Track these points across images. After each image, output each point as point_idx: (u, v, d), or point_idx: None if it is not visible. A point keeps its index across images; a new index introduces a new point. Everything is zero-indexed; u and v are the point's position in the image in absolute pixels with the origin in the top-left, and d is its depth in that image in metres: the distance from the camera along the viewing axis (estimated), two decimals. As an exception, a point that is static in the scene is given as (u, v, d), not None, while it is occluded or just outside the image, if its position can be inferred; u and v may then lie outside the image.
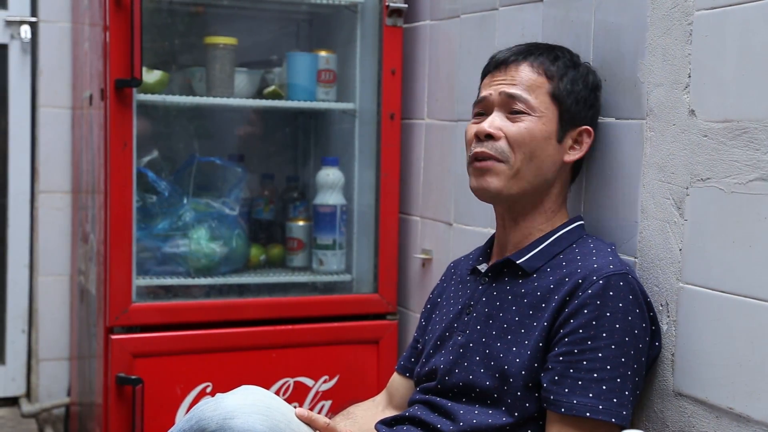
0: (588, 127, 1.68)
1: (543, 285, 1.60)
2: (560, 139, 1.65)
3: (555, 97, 1.64)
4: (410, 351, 1.88)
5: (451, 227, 2.33)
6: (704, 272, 1.51)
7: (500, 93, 1.64)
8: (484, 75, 1.73)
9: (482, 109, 1.68)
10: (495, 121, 1.63)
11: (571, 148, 1.67)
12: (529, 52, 1.67)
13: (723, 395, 1.47)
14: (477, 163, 1.64)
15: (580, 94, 1.66)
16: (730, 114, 1.47)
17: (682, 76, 1.56)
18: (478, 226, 2.18)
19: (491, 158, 1.62)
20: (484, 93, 1.68)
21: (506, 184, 1.62)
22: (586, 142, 1.68)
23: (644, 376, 1.57)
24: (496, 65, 1.68)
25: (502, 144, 1.61)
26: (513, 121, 1.62)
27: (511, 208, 1.68)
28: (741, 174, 1.44)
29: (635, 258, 1.66)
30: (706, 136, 1.51)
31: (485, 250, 1.79)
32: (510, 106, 1.63)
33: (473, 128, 1.66)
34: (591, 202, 1.79)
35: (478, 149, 1.63)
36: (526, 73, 1.64)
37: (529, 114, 1.62)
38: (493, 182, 1.62)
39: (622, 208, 1.70)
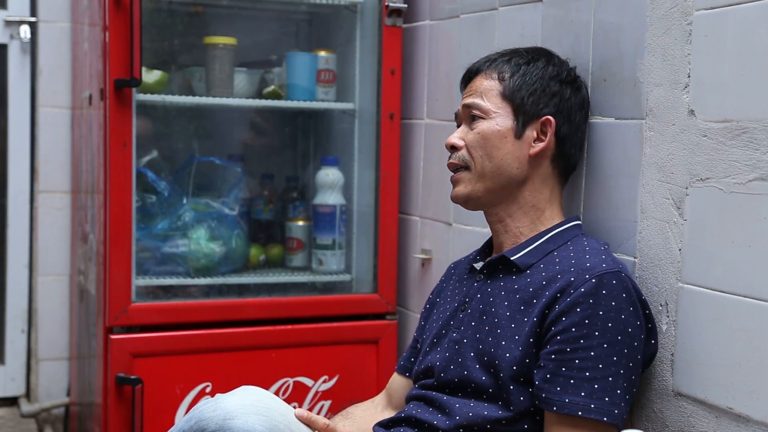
0: (548, 117, 1.68)
1: (535, 281, 1.61)
2: (519, 135, 1.67)
3: (506, 95, 1.69)
4: (410, 351, 1.88)
5: (451, 227, 2.33)
6: (704, 272, 1.51)
7: (462, 107, 1.74)
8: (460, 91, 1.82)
9: (458, 123, 1.77)
10: (458, 133, 1.74)
11: (536, 140, 1.69)
12: (488, 59, 1.75)
13: (722, 395, 1.47)
14: (451, 176, 1.75)
15: (534, 86, 1.69)
16: (729, 114, 1.47)
17: (682, 76, 1.56)
18: (478, 226, 2.18)
19: (458, 168, 1.72)
20: (456, 110, 1.78)
21: (473, 187, 1.70)
22: (549, 132, 1.69)
23: (641, 374, 1.57)
24: (463, 81, 1.79)
25: (463, 152, 1.71)
26: (471, 128, 1.71)
27: (491, 210, 1.73)
28: (740, 174, 1.44)
29: (635, 258, 1.66)
30: (705, 136, 1.51)
31: (483, 250, 1.81)
32: (469, 114, 1.72)
33: None
34: (590, 202, 1.79)
35: (448, 162, 1.75)
36: (481, 81, 1.73)
37: (483, 118, 1.69)
38: (461, 189, 1.72)
39: (621, 208, 1.70)
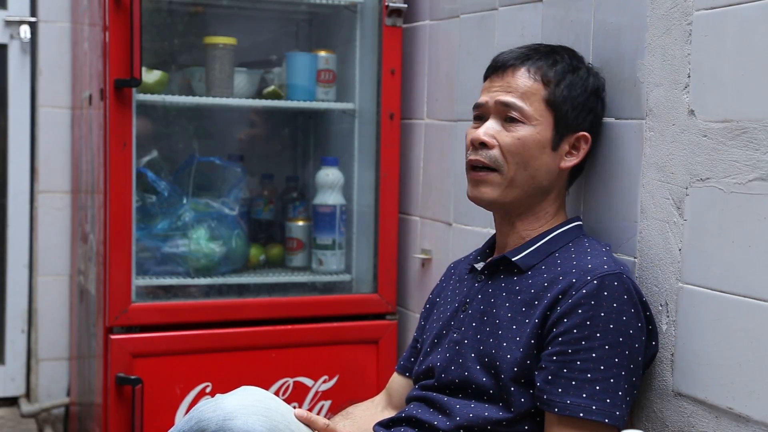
0: (585, 133, 1.67)
1: (537, 282, 1.60)
2: (555, 147, 1.64)
3: (550, 104, 1.63)
4: (410, 351, 1.88)
5: (451, 227, 2.33)
6: (704, 272, 1.51)
7: (495, 101, 1.64)
8: (485, 77, 1.72)
9: (481, 114, 1.69)
10: (489, 129, 1.64)
11: (568, 153, 1.66)
12: (528, 56, 1.66)
13: (722, 395, 1.47)
14: (473, 173, 1.66)
15: (578, 100, 1.65)
16: (729, 114, 1.47)
17: (682, 76, 1.56)
18: (478, 226, 2.18)
19: (485, 167, 1.64)
20: (482, 99, 1.68)
21: (501, 193, 1.64)
22: (583, 148, 1.67)
23: (642, 375, 1.57)
24: (494, 69, 1.68)
25: (495, 152, 1.63)
26: (508, 129, 1.63)
27: (507, 213, 1.69)
28: (740, 174, 1.44)
29: (635, 258, 1.66)
30: (705, 136, 1.51)
31: (484, 250, 1.80)
32: (505, 114, 1.64)
33: (471, 134, 1.68)
34: (591, 202, 1.79)
35: (473, 157, 1.66)
36: (522, 79, 1.64)
37: (523, 122, 1.62)
38: (488, 192, 1.65)
39: (621, 208, 1.70)
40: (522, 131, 1.62)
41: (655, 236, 1.62)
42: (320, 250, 2.57)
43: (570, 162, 1.66)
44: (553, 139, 1.63)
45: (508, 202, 1.65)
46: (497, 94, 1.65)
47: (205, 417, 1.47)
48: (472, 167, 1.66)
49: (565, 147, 1.65)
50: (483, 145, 1.64)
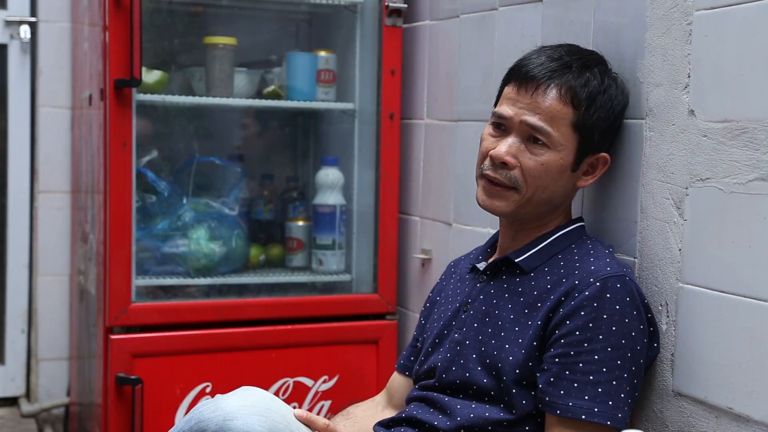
0: (605, 154, 1.64)
1: (540, 284, 1.60)
2: (575, 168, 1.62)
3: (577, 128, 1.59)
4: (410, 350, 1.88)
5: (451, 227, 2.33)
6: (704, 272, 1.51)
7: (521, 120, 1.58)
8: (509, 79, 1.65)
9: (501, 124, 1.63)
10: (512, 148, 1.59)
11: (585, 173, 1.65)
12: (561, 72, 1.59)
13: (722, 395, 1.47)
14: (489, 185, 1.63)
15: (605, 123, 1.62)
16: (729, 114, 1.47)
17: (682, 76, 1.56)
18: (478, 226, 2.18)
19: (502, 185, 1.61)
20: (506, 111, 1.61)
21: (515, 208, 1.62)
22: (601, 168, 1.65)
23: (643, 377, 1.57)
24: (523, 80, 1.61)
25: (515, 173, 1.59)
26: (531, 151, 1.59)
27: (516, 222, 1.67)
28: (740, 174, 1.44)
29: (635, 258, 1.66)
30: (705, 136, 1.51)
31: (485, 249, 1.79)
32: (530, 134, 1.59)
33: (489, 143, 1.63)
34: (591, 202, 1.79)
35: (491, 174, 1.61)
36: (551, 101, 1.57)
37: (548, 148, 1.58)
38: (501, 206, 1.63)
39: (621, 208, 1.70)
40: (546, 156, 1.58)
41: (655, 236, 1.62)
42: (320, 250, 2.57)
43: (587, 181, 1.65)
44: (574, 162, 1.61)
45: (521, 215, 1.64)
46: (523, 112, 1.59)
47: (205, 417, 1.47)
48: (488, 179, 1.63)
49: (584, 167, 1.64)
50: (503, 164, 1.60)
